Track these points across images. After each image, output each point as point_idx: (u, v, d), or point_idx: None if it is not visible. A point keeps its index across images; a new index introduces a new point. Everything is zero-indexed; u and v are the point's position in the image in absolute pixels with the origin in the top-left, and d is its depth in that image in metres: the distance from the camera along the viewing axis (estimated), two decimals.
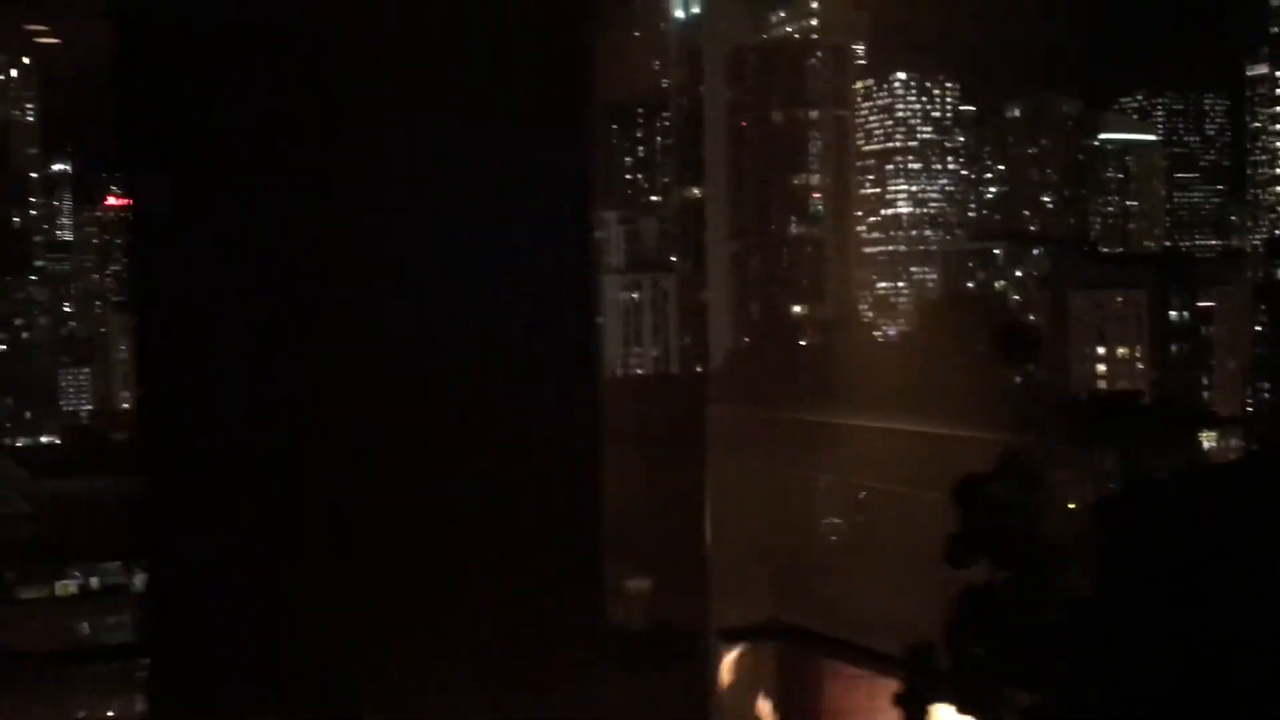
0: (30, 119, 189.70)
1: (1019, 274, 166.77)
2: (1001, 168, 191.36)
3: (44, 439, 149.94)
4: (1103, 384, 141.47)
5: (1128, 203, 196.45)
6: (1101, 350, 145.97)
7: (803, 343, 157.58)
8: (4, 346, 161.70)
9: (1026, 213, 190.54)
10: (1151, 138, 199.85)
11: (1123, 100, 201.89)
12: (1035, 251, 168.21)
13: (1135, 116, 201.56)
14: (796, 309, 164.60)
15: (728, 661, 42.05)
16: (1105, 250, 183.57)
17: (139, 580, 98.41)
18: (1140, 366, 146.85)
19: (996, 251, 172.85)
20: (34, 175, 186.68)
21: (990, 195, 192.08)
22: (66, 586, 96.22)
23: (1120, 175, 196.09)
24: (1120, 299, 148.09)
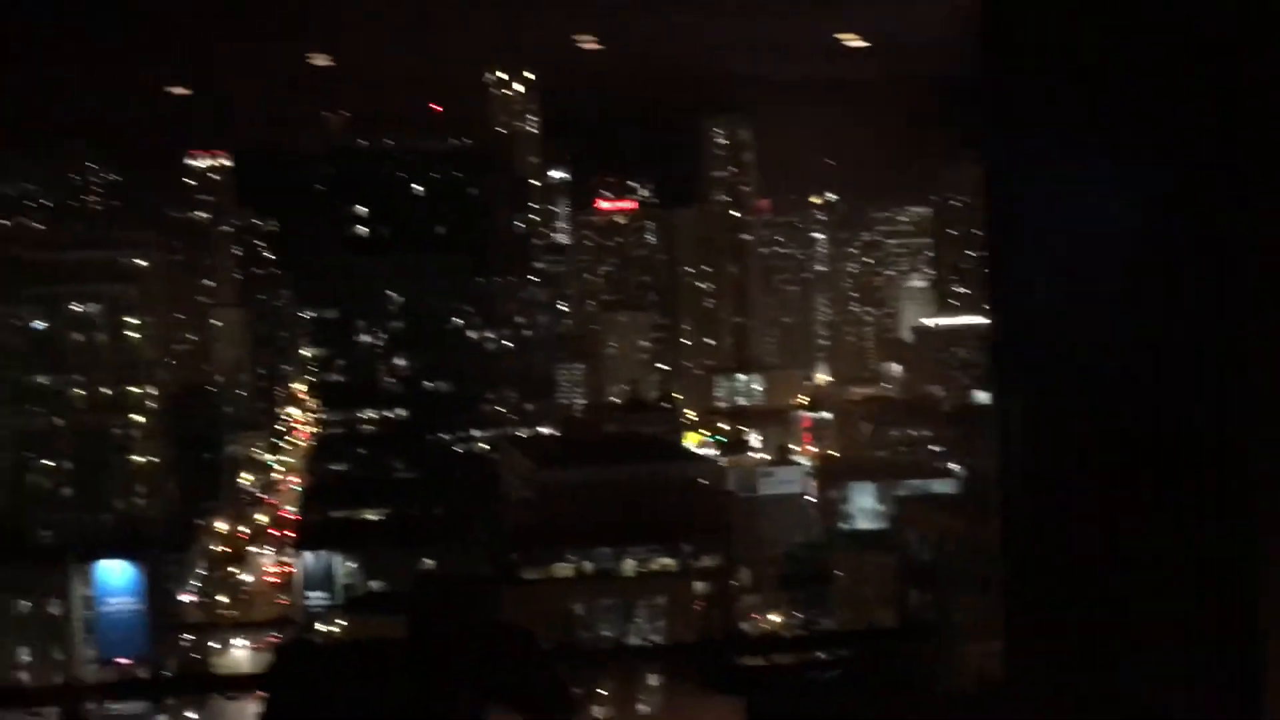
0: (531, 130, 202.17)
1: None
2: None
3: (543, 430, 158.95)
4: None
5: None
6: None
7: None
8: (510, 343, 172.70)
9: None
10: None
11: None
12: None
13: None
14: None
15: None
16: None
17: (628, 565, 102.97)
18: None
19: None
20: (534, 182, 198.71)
21: None
22: (562, 569, 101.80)
23: None
24: None
